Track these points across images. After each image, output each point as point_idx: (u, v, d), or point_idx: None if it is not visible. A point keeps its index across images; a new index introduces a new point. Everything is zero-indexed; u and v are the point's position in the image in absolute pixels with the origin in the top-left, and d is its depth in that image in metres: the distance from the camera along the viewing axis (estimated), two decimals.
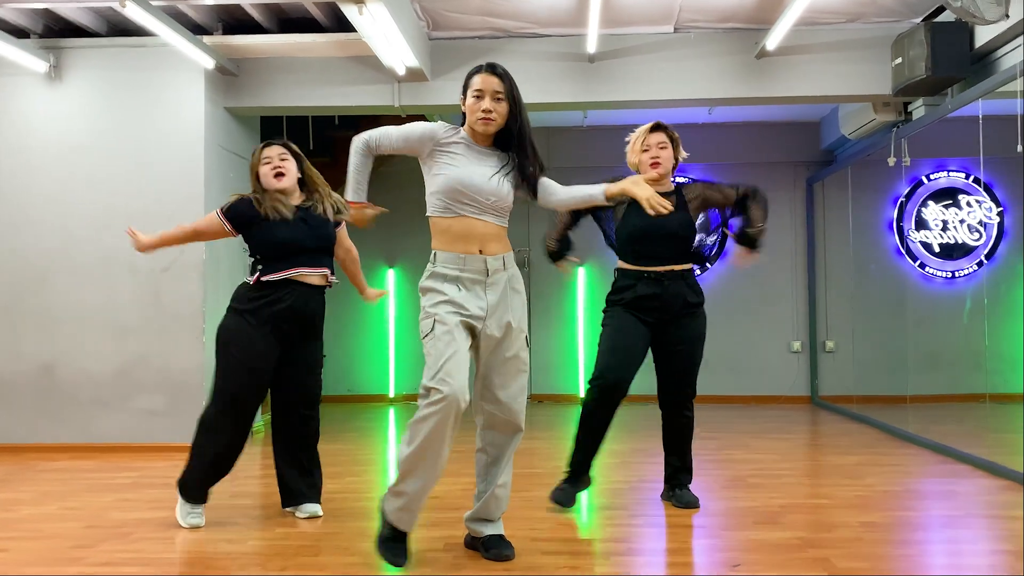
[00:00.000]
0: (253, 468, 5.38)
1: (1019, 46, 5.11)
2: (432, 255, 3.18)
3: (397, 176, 8.89)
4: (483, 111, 3.15)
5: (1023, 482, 4.62)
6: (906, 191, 8.52)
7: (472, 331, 3.13)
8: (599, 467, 5.40)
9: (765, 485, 4.69)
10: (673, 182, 4.26)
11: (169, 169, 6.06)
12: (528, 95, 6.30)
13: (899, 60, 5.70)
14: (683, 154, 4.19)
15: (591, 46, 5.87)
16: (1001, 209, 8.47)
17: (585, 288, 8.92)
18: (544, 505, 4.19)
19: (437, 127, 3.21)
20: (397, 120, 7.63)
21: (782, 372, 8.73)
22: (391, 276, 9.01)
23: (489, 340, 3.17)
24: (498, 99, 3.16)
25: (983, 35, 5.35)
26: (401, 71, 5.91)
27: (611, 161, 9.04)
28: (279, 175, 3.94)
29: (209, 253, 6.07)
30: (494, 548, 3.30)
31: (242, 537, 3.72)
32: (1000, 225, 8.49)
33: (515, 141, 3.23)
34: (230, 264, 6.44)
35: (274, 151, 3.98)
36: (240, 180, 6.60)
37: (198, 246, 6.01)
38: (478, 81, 3.18)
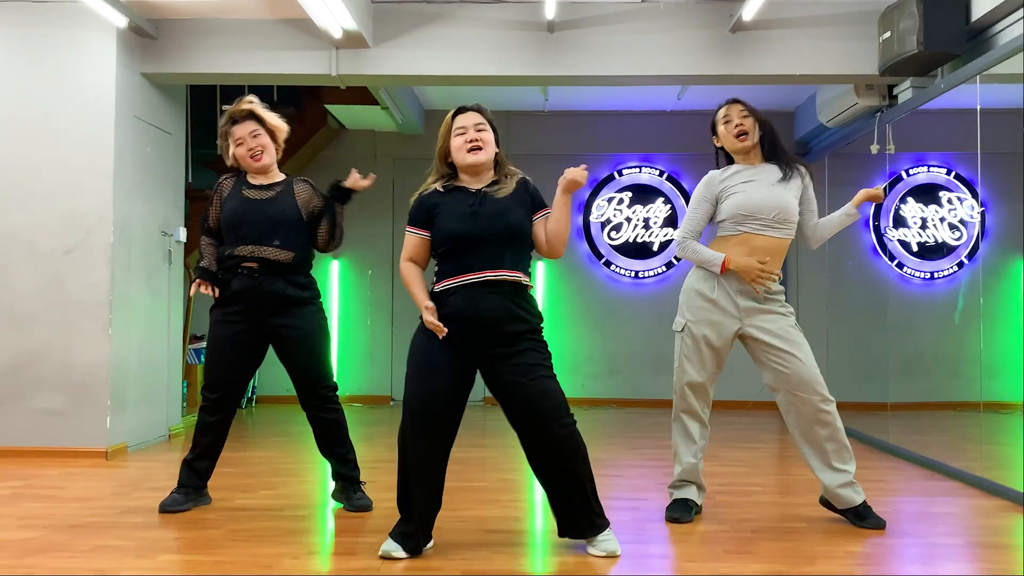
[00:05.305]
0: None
1: (1020, 19, 4.60)
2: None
3: (353, 161, 8.29)
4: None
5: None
6: (884, 187, 8.03)
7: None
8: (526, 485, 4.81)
9: (735, 504, 4.13)
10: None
11: (74, 140, 5.37)
12: (482, 67, 5.78)
13: (888, 34, 5.19)
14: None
15: (549, 12, 5.29)
16: (983, 209, 8.02)
17: (544, 285, 8.35)
18: (476, 531, 3.60)
19: (712, 173, 3.80)
20: (329, 91, 7.01)
21: (751, 377, 8.15)
22: (334, 267, 8.37)
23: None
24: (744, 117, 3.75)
25: (980, 7, 4.85)
26: (337, 34, 5.29)
27: (572, 148, 8.57)
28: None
29: (117, 235, 5.41)
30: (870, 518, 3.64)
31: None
32: (982, 224, 8.04)
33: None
34: (143, 246, 5.78)
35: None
36: (157, 155, 5.94)
37: (105, 225, 5.35)
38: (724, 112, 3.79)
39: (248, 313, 3.80)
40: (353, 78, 5.76)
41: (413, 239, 3.29)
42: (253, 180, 3.92)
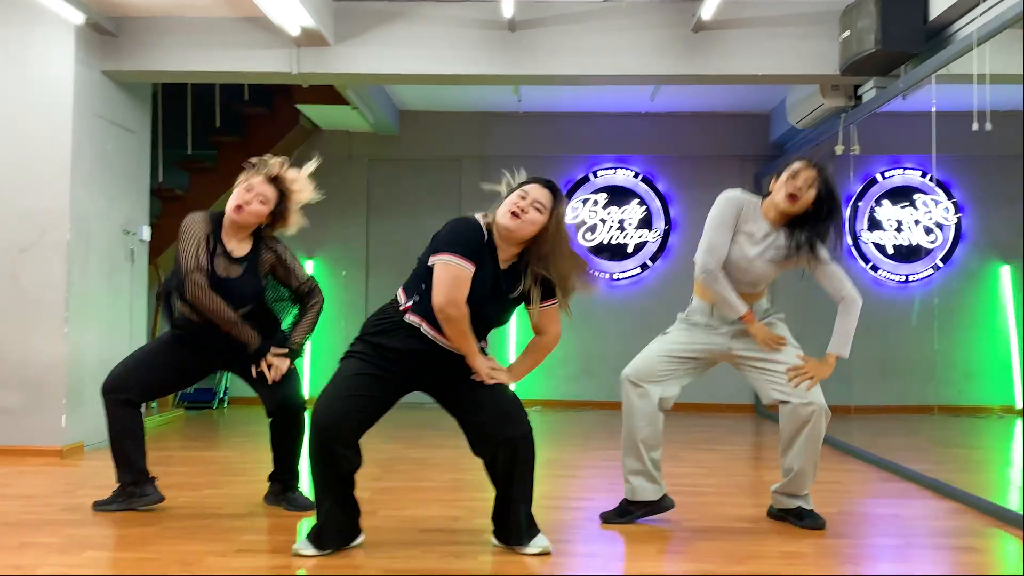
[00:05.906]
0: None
1: (976, 18, 4.57)
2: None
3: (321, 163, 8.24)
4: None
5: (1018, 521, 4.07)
6: (859, 189, 8.00)
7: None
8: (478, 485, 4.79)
9: (683, 504, 4.07)
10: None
11: (31, 137, 5.33)
12: (444, 65, 5.75)
13: (847, 33, 5.16)
14: None
15: (507, 10, 5.26)
16: (960, 214, 7.97)
17: None
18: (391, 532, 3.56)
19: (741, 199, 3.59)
20: (299, 90, 6.94)
21: (724, 379, 8.09)
22: (309, 267, 8.34)
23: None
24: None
25: (937, 6, 4.82)
26: (295, 32, 5.26)
27: (547, 150, 8.54)
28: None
29: (75, 233, 5.38)
30: (808, 518, 3.59)
31: None
32: (957, 227, 8.00)
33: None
34: (104, 245, 5.75)
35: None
36: (119, 153, 5.91)
37: (62, 223, 5.32)
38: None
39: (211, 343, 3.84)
40: (314, 76, 5.73)
41: (465, 275, 2.97)
42: (228, 242, 3.76)
